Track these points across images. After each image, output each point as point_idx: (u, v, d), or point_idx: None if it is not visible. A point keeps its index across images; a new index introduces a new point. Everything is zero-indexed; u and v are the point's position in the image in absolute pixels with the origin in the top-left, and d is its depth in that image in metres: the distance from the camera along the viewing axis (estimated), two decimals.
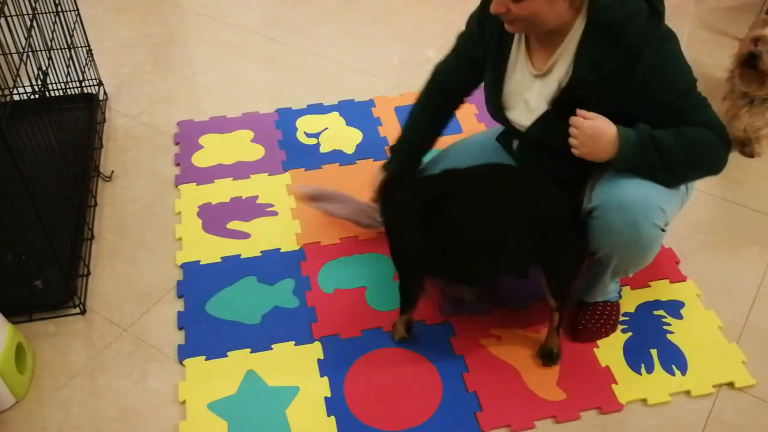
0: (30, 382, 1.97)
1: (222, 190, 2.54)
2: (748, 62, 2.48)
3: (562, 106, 1.77)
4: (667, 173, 1.76)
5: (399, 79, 3.12)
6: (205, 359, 2.01)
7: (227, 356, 2.02)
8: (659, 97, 1.71)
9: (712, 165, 1.80)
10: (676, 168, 1.74)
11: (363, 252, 2.31)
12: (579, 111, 1.73)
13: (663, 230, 1.79)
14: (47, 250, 2.02)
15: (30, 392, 1.95)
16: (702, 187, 2.53)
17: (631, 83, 1.70)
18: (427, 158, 2.23)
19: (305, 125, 2.85)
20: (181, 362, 2.01)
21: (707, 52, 3.13)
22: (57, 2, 2.56)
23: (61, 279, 2.11)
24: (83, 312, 2.15)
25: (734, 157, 2.70)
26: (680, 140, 1.71)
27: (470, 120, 2.83)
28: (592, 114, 1.72)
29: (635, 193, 1.75)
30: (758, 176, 2.63)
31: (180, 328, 2.10)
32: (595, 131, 1.71)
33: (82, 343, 2.07)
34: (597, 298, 2.05)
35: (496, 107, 1.96)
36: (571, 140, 1.74)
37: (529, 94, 1.86)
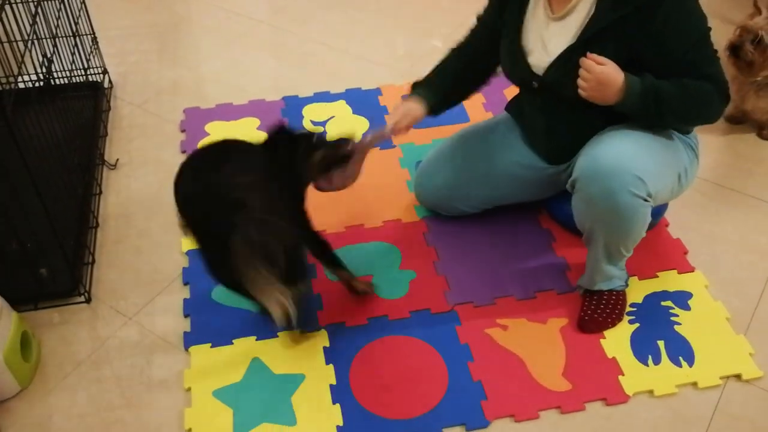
0: (35, 371, 1.97)
1: None
2: (732, 51, 2.54)
3: (582, 46, 1.79)
4: (659, 121, 1.83)
5: (406, 67, 3.10)
6: (211, 347, 2.01)
7: (233, 344, 2.02)
8: (675, 45, 1.76)
9: (705, 119, 1.91)
10: (668, 119, 1.83)
11: (368, 240, 2.31)
12: (590, 55, 1.75)
13: (645, 200, 1.79)
14: (52, 239, 2.01)
15: (35, 380, 1.95)
16: (711, 177, 2.52)
17: (651, 27, 1.73)
18: (444, 146, 2.24)
19: (312, 113, 2.84)
20: (186, 350, 2.01)
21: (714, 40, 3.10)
22: None
23: (66, 267, 2.11)
24: (88, 300, 2.15)
25: (744, 149, 2.68)
26: (681, 96, 1.77)
27: (478, 109, 2.81)
28: (603, 59, 1.74)
29: (611, 162, 1.77)
30: None
31: (186, 316, 2.10)
32: (605, 77, 1.74)
33: (88, 331, 2.07)
34: (600, 286, 2.04)
35: (516, 54, 1.95)
36: (580, 81, 1.77)
37: (548, 36, 1.88)
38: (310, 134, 1.94)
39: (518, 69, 1.99)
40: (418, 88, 2.14)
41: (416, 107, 2.07)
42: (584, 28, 1.81)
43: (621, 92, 1.75)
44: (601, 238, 1.89)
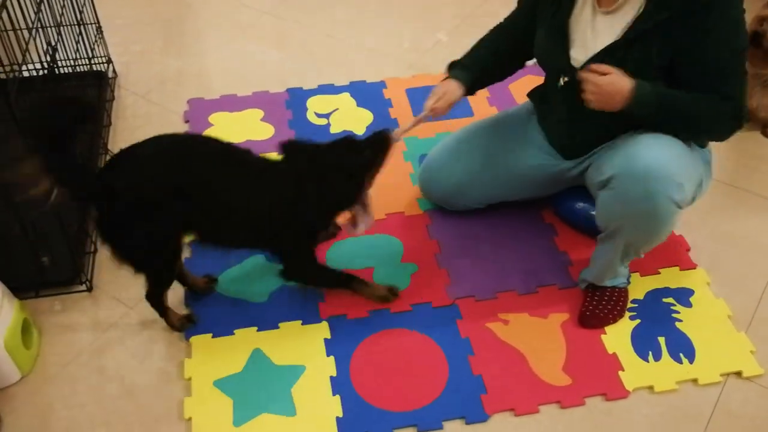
0: (36, 358, 1.97)
1: None
2: (752, 41, 2.50)
3: (627, 44, 1.78)
4: (666, 129, 1.82)
5: (411, 60, 3.09)
6: (212, 337, 2.01)
7: (234, 334, 2.02)
8: (712, 52, 1.74)
9: (711, 135, 1.92)
10: (674, 129, 1.82)
11: (371, 233, 2.30)
12: (593, 66, 1.76)
13: (679, 207, 1.79)
14: (54, 227, 2.01)
15: (36, 368, 1.96)
16: (715, 175, 2.50)
17: (696, 31, 1.71)
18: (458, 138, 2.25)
19: (316, 105, 2.84)
20: (187, 340, 2.01)
21: None
22: None
23: (68, 256, 2.11)
24: (90, 289, 2.15)
25: (748, 146, 2.67)
26: (691, 109, 1.78)
27: (482, 104, 2.81)
28: (606, 67, 1.74)
29: (655, 164, 1.75)
30: None
31: (187, 306, 2.10)
32: (612, 87, 1.74)
33: (89, 320, 2.08)
34: (606, 282, 2.04)
35: (557, 44, 1.93)
36: (587, 95, 1.77)
37: (593, 31, 1.86)
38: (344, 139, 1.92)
39: (556, 59, 1.96)
40: (454, 68, 2.11)
41: (454, 88, 2.05)
42: (631, 25, 1.78)
43: (629, 99, 1.74)
44: (625, 238, 1.87)
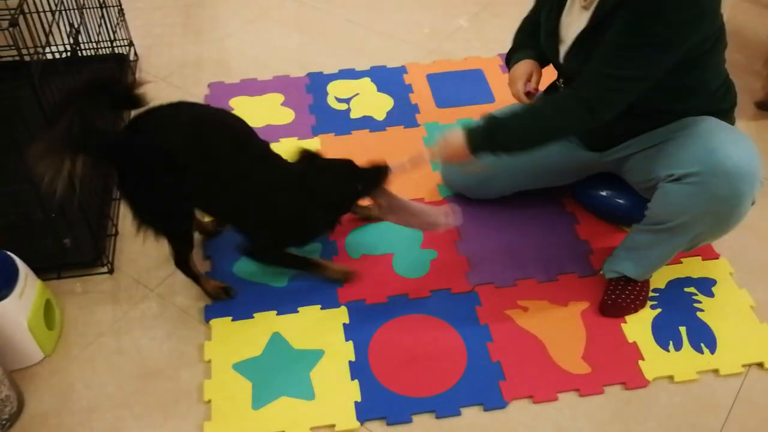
0: (58, 339, 1.99)
1: None
2: None
3: (593, 29, 1.76)
4: (518, 147, 1.85)
5: (431, 46, 3.08)
6: (232, 320, 2.02)
7: (253, 317, 2.03)
8: (613, 35, 1.68)
9: (562, 134, 1.90)
10: (516, 147, 1.84)
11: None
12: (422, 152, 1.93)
13: (753, 203, 1.78)
14: (76, 209, 2.03)
15: (58, 348, 1.97)
16: None
17: (625, 12, 1.66)
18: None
19: (336, 90, 2.83)
20: (207, 322, 2.02)
21: (750, 24, 3.05)
22: None
23: (89, 238, 2.12)
24: (111, 271, 2.16)
25: None
26: (523, 119, 1.81)
27: (504, 89, 2.78)
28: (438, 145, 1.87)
29: (743, 162, 1.72)
30: None
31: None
32: (450, 148, 1.85)
33: (110, 302, 2.09)
34: (647, 276, 2.02)
35: (550, 41, 1.94)
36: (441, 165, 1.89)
37: (574, 24, 1.85)
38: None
39: (553, 58, 1.98)
40: (516, 53, 2.12)
41: (530, 63, 2.06)
42: (594, 11, 1.76)
43: (468, 147, 1.81)
44: (694, 232, 1.84)
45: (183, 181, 1.81)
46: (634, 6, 1.63)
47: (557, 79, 2.04)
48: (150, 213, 1.88)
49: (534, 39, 2.07)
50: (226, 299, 2.07)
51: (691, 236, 1.86)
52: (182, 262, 2.01)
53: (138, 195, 1.85)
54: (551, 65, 2.06)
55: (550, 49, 1.97)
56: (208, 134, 1.83)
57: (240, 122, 1.93)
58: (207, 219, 2.24)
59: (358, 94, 2.82)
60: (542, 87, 2.09)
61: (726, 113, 1.91)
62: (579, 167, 2.15)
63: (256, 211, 1.92)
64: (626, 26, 1.66)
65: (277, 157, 1.95)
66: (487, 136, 1.81)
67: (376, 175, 1.94)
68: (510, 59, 2.14)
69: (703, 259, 2.18)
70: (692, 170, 1.75)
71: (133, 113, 1.84)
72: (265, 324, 2.01)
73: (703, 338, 1.97)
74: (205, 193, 1.88)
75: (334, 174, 1.94)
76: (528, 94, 2.03)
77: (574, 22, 1.85)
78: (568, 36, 1.87)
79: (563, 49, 1.90)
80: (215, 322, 2.02)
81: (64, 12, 2.25)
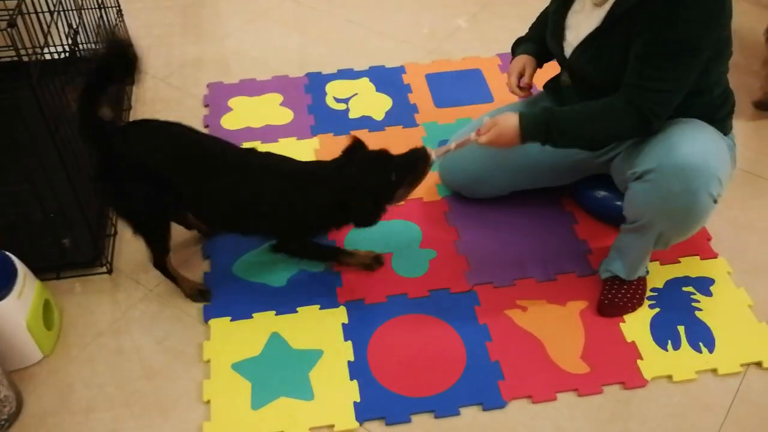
0: (57, 339, 1.99)
1: None
2: None
3: (607, 29, 1.78)
4: (559, 144, 1.84)
5: (430, 46, 3.08)
6: (231, 320, 2.02)
7: (252, 318, 2.03)
8: (648, 48, 1.70)
9: (611, 138, 1.90)
10: (566, 143, 1.84)
11: (389, 218, 2.30)
12: (479, 130, 1.88)
13: (715, 202, 1.77)
14: (75, 209, 2.03)
15: (57, 349, 1.97)
16: (737, 163, 2.48)
17: (654, 22, 1.67)
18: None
19: (335, 90, 2.83)
20: (206, 322, 2.02)
21: (748, 24, 3.05)
22: None
23: (88, 238, 2.12)
24: (110, 271, 2.17)
25: None
26: (577, 122, 1.80)
27: (503, 91, 2.79)
28: (488, 124, 1.86)
29: (697, 160, 1.72)
30: None
31: (208, 290, 2.10)
32: (500, 131, 1.84)
33: (109, 302, 2.09)
34: (635, 276, 2.03)
35: (556, 34, 1.94)
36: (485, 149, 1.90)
37: (584, 22, 1.86)
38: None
39: (557, 54, 1.98)
40: (519, 46, 2.14)
41: (525, 59, 2.09)
42: (609, 12, 1.77)
43: (520, 134, 1.83)
44: (657, 231, 1.85)
45: (164, 191, 1.86)
46: (653, 7, 1.65)
47: (560, 75, 2.04)
48: (127, 213, 1.94)
49: (541, 32, 2.09)
50: (200, 301, 2.07)
51: (655, 235, 1.87)
52: (160, 262, 2.03)
53: (121, 193, 1.89)
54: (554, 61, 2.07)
55: (555, 45, 1.97)
56: (192, 148, 1.90)
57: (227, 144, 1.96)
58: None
59: (356, 94, 2.82)
60: (544, 79, 2.11)
61: (722, 122, 1.92)
62: (574, 167, 2.15)
63: (271, 211, 1.93)
64: (652, 35, 1.68)
65: (270, 155, 1.97)
66: (543, 128, 1.81)
67: (413, 163, 1.91)
68: (514, 50, 2.17)
69: (701, 259, 2.18)
70: (650, 167, 1.77)
71: (130, 119, 1.86)
72: (264, 324, 2.01)
73: (702, 338, 1.98)
74: (205, 204, 1.94)
75: (366, 165, 1.90)
76: (522, 88, 2.06)
77: (584, 20, 1.86)
78: (578, 33, 1.87)
79: (570, 46, 1.91)
80: (214, 322, 2.02)
81: (62, 12, 2.25)
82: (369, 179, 1.87)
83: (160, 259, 2.01)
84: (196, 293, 2.08)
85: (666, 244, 1.92)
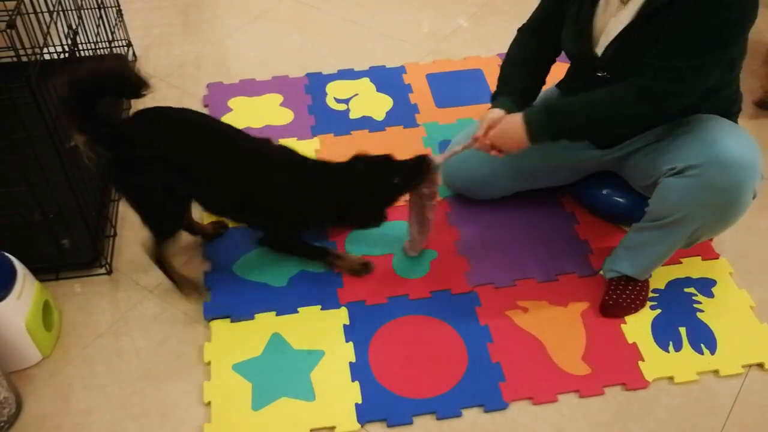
0: (56, 340, 1.98)
1: None
2: None
3: (643, 22, 1.76)
4: (576, 137, 1.91)
5: (431, 46, 3.07)
6: (231, 320, 2.01)
7: (253, 318, 2.02)
8: (682, 29, 1.68)
9: (630, 127, 1.93)
10: (572, 135, 1.88)
11: (390, 219, 2.29)
12: (476, 136, 1.93)
13: (754, 197, 1.78)
14: (75, 210, 2.02)
15: (56, 350, 1.97)
16: None
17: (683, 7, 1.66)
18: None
19: (335, 90, 2.83)
20: (206, 323, 2.01)
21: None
22: None
23: (88, 239, 2.12)
24: (109, 272, 2.16)
25: None
26: (582, 107, 1.80)
27: None
28: (488, 124, 1.90)
29: (742, 154, 1.73)
30: None
31: (206, 290, 2.10)
32: (506, 133, 1.86)
33: (108, 303, 2.09)
34: (648, 275, 2.02)
35: (581, 33, 1.91)
36: (494, 152, 1.92)
37: (612, 21, 1.84)
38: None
39: (580, 47, 1.94)
40: (496, 99, 2.05)
41: (500, 114, 1.98)
42: (642, 8, 1.75)
43: (527, 132, 1.83)
44: (694, 226, 1.84)
45: (179, 176, 1.87)
46: (689, 2, 1.64)
47: (585, 65, 1.98)
48: (141, 198, 1.94)
49: (524, 79, 2.06)
50: (196, 294, 2.08)
51: (690, 230, 1.85)
52: (159, 252, 2.01)
53: (132, 182, 1.90)
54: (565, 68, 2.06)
55: (577, 45, 1.93)
56: (202, 132, 1.93)
57: (234, 129, 2.02)
58: (206, 222, 2.24)
59: (357, 94, 2.81)
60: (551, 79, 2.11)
61: (734, 116, 1.93)
62: (580, 166, 2.14)
63: (264, 203, 1.97)
64: (687, 18, 1.66)
65: (280, 152, 2.03)
66: (546, 124, 1.81)
67: (416, 169, 1.94)
68: (494, 99, 2.07)
69: (702, 259, 2.18)
70: (693, 162, 1.76)
71: (136, 108, 1.88)
72: (265, 324, 2.01)
73: (703, 339, 1.97)
74: (203, 190, 1.96)
75: (369, 168, 1.96)
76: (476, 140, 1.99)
77: (611, 19, 1.83)
78: (610, 31, 1.84)
79: (601, 45, 1.87)
80: (215, 323, 2.01)
81: (62, 12, 2.24)
82: (373, 181, 1.92)
83: (161, 248, 2.00)
84: (191, 288, 2.08)
85: (695, 241, 1.91)
